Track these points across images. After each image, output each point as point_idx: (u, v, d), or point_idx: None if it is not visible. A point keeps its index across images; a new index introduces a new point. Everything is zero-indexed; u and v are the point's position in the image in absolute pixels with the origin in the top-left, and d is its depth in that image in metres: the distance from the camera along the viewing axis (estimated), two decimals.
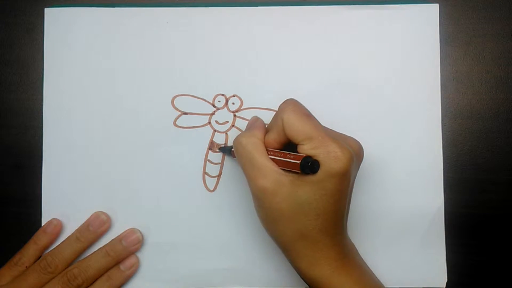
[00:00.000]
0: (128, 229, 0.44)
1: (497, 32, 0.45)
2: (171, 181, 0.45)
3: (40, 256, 0.44)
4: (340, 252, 0.36)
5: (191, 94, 0.45)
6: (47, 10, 0.46)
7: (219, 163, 0.45)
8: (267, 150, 0.37)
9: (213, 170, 0.45)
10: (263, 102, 0.45)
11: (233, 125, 0.45)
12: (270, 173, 0.35)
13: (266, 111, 0.45)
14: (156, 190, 0.45)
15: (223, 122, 0.45)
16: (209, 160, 0.45)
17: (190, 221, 0.45)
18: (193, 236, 0.44)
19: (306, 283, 0.38)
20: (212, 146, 0.45)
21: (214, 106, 0.45)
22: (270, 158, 0.36)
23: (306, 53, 0.45)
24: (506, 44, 0.45)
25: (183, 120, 0.45)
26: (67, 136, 0.45)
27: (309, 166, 0.34)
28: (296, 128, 0.35)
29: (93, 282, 0.43)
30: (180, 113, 0.45)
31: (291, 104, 0.37)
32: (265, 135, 0.38)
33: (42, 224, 0.45)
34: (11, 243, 0.45)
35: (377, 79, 0.44)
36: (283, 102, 0.38)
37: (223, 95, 0.45)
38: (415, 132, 0.44)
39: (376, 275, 0.42)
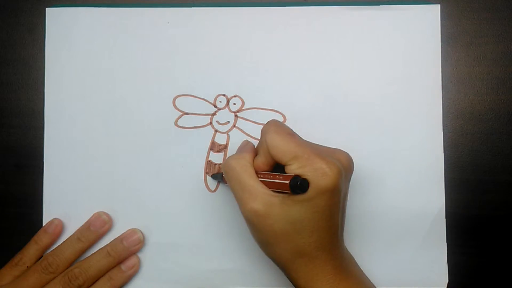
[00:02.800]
0: (129, 229, 0.44)
1: (499, 33, 0.45)
2: (172, 181, 0.45)
3: (41, 256, 0.44)
4: (337, 266, 0.36)
5: (192, 94, 0.45)
6: (48, 10, 0.46)
7: (220, 163, 0.45)
8: (256, 173, 0.37)
9: (214, 170, 0.45)
10: (264, 102, 0.45)
11: (234, 126, 0.45)
12: (260, 195, 0.35)
13: (267, 111, 0.45)
14: (157, 190, 0.45)
15: (224, 122, 0.45)
16: (210, 161, 0.45)
17: (191, 221, 0.45)
18: (194, 236, 0.44)
19: None
20: (213, 146, 0.45)
21: (215, 106, 0.45)
22: (260, 180, 0.36)
23: (307, 54, 0.45)
24: (508, 45, 0.45)
25: (184, 120, 0.45)
26: (69, 136, 0.45)
27: (299, 185, 0.34)
28: (280, 149, 0.35)
29: (94, 282, 0.43)
30: (181, 113, 0.45)
31: (273, 125, 0.37)
32: (254, 158, 0.38)
33: (43, 224, 0.45)
34: (12, 243, 0.45)
35: (378, 79, 0.44)
36: (265, 124, 0.38)
37: (224, 95, 0.45)
38: (416, 133, 0.44)
39: (377, 276, 0.43)
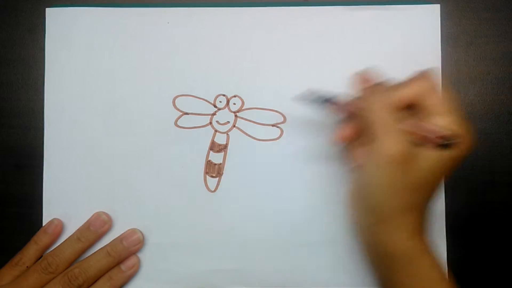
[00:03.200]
0: (129, 229, 0.44)
1: (498, 33, 0.45)
2: (172, 181, 0.45)
3: (41, 256, 0.44)
4: (424, 225, 0.37)
5: (192, 94, 0.45)
6: (48, 10, 0.46)
7: (220, 163, 0.45)
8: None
9: (214, 170, 0.45)
10: (265, 102, 0.45)
11: (234, 126, 0.45)
12: (403, 142, 0.34)
13: (267, 111, 0.45)
14: (157, 190, 0.45)
15: (224, 122, 0.45)
16: (210, 161, 0.45)
17: (191, 221, 0.45)
18: (194, 236, 0.44)
19: (390, 259, 0.36)
20: (213, 146, 0.45)
21: (215, 106, 0.45)
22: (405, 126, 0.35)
23: (307, 54, 0.45)
24: (507, 45, 0.45)
25: (184, 121, 0.45)
26: (68, 136, 0.45)
27: (446, 144, 0.34)
28: (437, 97, 0.35)
29: (94, 282, 0.43)
30: (181, 113, 0.45)
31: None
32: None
33: (43, 224, 0.45)
34: (12, 243, 0.45)
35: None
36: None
37: (224, 95, 0.45)
38: None
39: None
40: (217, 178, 0.45)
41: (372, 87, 0.37)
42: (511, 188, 0.44)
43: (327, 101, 0.38)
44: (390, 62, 0.44)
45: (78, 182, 0.45)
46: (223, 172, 0.45)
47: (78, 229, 0.44)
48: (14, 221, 0.46)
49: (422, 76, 0.36)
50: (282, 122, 0.45)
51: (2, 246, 0.46)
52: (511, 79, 0.45)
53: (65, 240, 0.44)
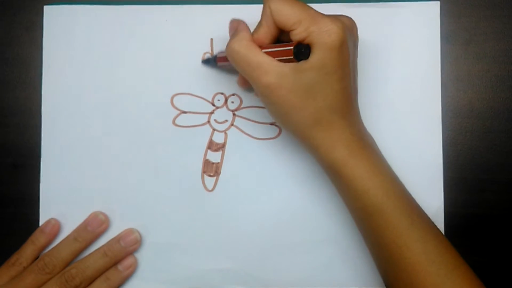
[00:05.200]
0: (126, 229, 0.44)
1: (498, 31, 0.45)
2: (169, 180, 0.45)
3: (38, 256, 0.44)
4: (355, 134, 0.37)
5: (190, 93, 0.45)
6: (46, 8, 0.46)
7: (218, 162, 0.45)
8: (260, 48, 0.36)
9: (212, 169, 0.44)
10: None
11: (232, 124, 0.45)
12: (271, 68, 0.35)
13: (266, 110, 0.45)
14: (154, 189, 0.45)
15: (222, 121, 0.45)
16: (208, 160, 0.45)
17: (188, 221, 0.44)
18: (192, 236, 0.44)
19: (325, 170, 0.38)
20: (211, 145, 0.45)
21: (213, 105, 0.45)
22: (265, 53, 0.36)
23: None
24: (507, 42, 0.44)
25: (182, 119, 0.45)
26: (66, 135, 0.45)
27: (302, 52, 0.34)
28: (285, 13, 0.35)
29: (91, 282, 0.42)
30: (179, 112, 0.45)
31: None
32: (253, 34, 0.37)
33: (40, 224, 0.45)
34: (9, 243, 0.44)
35: (377, 77, 0.44)
36: None
37: (222, 93, 0.45)
38: (415, 131, 0.44)
39: (375, 273, 0.42)
40: (215, 177, 0.44)
41: (232, 35, 0.38)
42: (510, 187, 0.44)
43: (215, 59, 0.43)
44: (390, 59, 0.44)
45: (75, 182, 0.45)
46: (221, 171, 0.45)
47: (75, 229, 0.44)
48: (10, 221, 0.46)
49: (266, 1, 0.36)
50: None
51: None
52: (510, 77, 0.44)
53: (62, 240, 0.44)
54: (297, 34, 0.35)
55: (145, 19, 0.45)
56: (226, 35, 0.45)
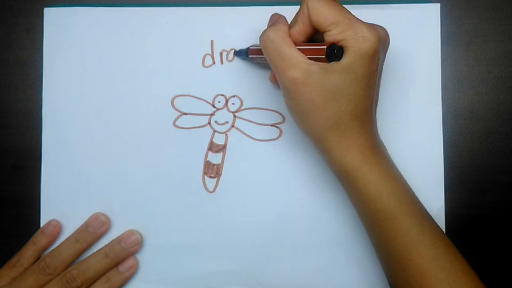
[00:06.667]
0: (127, 230, 0.44)
1: (498, 32, 0.44)
2: (170, 182, 0.45)
3: (39, 257, 0.44)
4: (370, 141, 0.37)
5: (190, 94, 0.45)
6: (46, 10, 0.46)
7: (219, 164, 0.45)
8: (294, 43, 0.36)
9: (212, 171, 0.45)
10: (263, 103, 0.45)
11: (233, 126, 0.45)
12: (300, 63, 0.35)
13: (266, 111, 0.45)
14: (155, 191, 0.45)
15: (223, 122, 0.45)
16: (208, 161, 0.45)
17: (189, 222, 0.44)
18: (193, 237, 0.44)
19: (336, 174, 0.38)
20: (211, 147, 0.45)
21: (214, 106, 0.45)
22: (298, 49, 0.36)
23: None
24: (507, 44, 0.44)
25: (183, 121, 0.45)
26: (66, 136, 0.45)
27: (335, 53, 0.34)
28: (322, 13, 0.35)
29: (92, 283, 0.43)
30: (179, 113, 0.45)
31: None
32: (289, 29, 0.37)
33: (41, 225, 0.45)
34: (10, 244, 0.45)
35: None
36: None
37: (223, 95, 0.45)
38: (415, 132, 0.44)
39: (377, 273, 0.42)
40: (216, 179, 0.44)
41: (270, 25, 0.38)
42: (511, 188, 0.44)
43: (247, 50, 0.43)
44: (390, 61, 0.44)
45: (76, 183, 0.45)
46: (222, 172, 0.45)
47: (76, 230, 0.44)
48: (11, 222, 0.46)
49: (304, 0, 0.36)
50: (281, 122, 0.45)
51: (0, 247, 0.46)
52: (511, 79, 0.44)
53: (63, 241, 0.44)
54: (332, 36, 0.35)
55: (145, 21, 0.45)
56: (227, 36, 0.45)
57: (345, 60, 0.34)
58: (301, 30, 0.37)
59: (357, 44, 0.34)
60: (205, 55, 0.45)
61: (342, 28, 0.34)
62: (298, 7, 0.44)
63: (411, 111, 0.44)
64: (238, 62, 0.45)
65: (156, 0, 0.46)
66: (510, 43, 0.44)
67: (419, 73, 0.44)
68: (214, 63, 0.45)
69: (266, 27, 0.39)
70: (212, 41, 0.45)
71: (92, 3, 0.45)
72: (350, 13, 0.35)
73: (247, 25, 0.45)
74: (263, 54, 0.37)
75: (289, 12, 0.44)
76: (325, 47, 0.34)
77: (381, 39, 0.35)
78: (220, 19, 0.45)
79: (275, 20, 0.38)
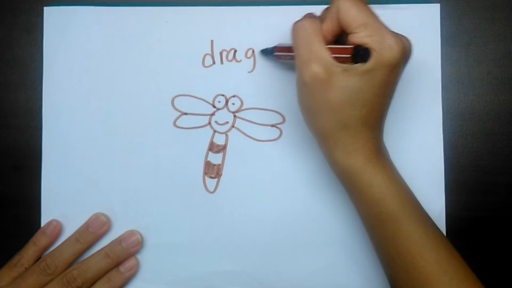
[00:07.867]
0: (128, 230, 0.44)
1: (499, 33, 0.44)
2: (171, 182, 0.45)
3: (40, 258, 0.44)
4: (377, 146, 0.37)
5: (191, 94, 0.45)
6: (46, 9, 0.45)
7: (219, 164, 0.45)
8: None
9: (213, 171, 0.45)
10: (264, 103, 0.45)
11: (233, 126, 0.45)
12: (325, 60, 0.35)
13: (267, 111, 0.45)
14: (156, 191, 0.45)
15: (223, 122, 0.45)
16: (209, 161, 0.45)
17: (190, 222, 0.44)
18: (193, 237, 0.44)
19: (339, 175, 0.38)
20: (212, 147, 0.45)
21: (214, 106, 0.45)
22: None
23: None
24: (508, 45, 0.44)
25: (183, 121, 0.45)
26: (67, 136, 0.45)
27: (361, 55, 0.34)
28: (352, 14, 0.34)
29: (93, 283, 0.43)
30: (180, 113, 0.45)
31: None
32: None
33: (42, 225, 0.45)
34: (10, 244, 0.45)
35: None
36: None
37: (223, 95, 0.45)
38: (415, 133, 0.44)
39: (378, 276, 0.42)
40: (216, 179, 0.45)
41: (306, 16, 0.37)
42: (511, 189, 0.44)
43: (273, 48, 0.42)
44: None
45: (77, 183, 0.45)
46: (222, 173, 0.45)
47: (76, 230, 0.44)
48: (12, 222, 0.46)
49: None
50: (282, 123, 0.45)
51: (0, 247, 0.46)
52: (511, 79, 0.44)
53: (64, 242, 0.44)
54: (358, 38, 0.34)
55: (145, 21, 0.45)
56: (227, 36, 0.45)
57: (367, 65, 0.34)
58: (329, 29, 0.36)
59: (381, 51, 0.34)
60: (205, 55, 0.45)
61: (370, 32, 0.34)
62: (298, 7, 0.45)
63: (411, 112, 0.44)
64: (238, 63, 0.45)
65: (156, 0, 0.45)
66: (510, 44, 0.44)
67: (419, 73, 0.44)
68: (214, 63, 0.45)
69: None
70: (212, 41, 0.45)
71: (92, 2, 0.45)
72: (379, 18, 0.35)
73: (247, 25, 0.45)
74: (288, 52, 0.37)
75: (289, 12, 0.45)
76: (352, 46, 0.34)
77: (405, 51, 0.35)
78: (220, 19, 0.45)
79: (309, 14, 0.38)
